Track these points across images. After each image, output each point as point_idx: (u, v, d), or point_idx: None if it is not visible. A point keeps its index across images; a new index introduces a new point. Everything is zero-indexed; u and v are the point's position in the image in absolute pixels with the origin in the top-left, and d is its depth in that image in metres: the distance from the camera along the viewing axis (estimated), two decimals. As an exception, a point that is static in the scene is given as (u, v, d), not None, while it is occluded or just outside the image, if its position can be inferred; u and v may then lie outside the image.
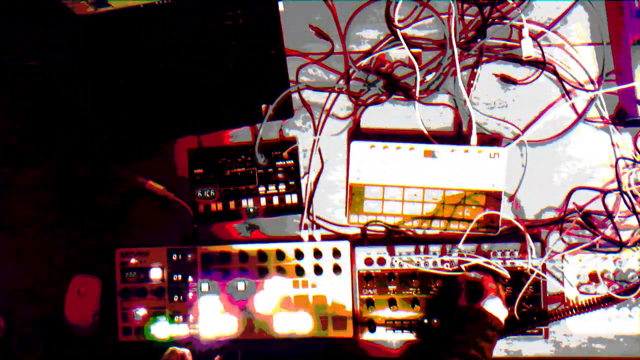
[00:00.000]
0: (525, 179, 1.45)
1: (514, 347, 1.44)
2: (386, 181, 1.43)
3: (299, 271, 1.43)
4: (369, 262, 1.42)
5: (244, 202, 1.46)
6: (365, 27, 1.49)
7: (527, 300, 1.40)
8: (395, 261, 1.42)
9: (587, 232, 1.43)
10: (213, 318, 1.43)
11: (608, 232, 1.41)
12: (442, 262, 1.41)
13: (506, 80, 1.47)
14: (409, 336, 1.42)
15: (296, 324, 1.42)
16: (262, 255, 1.43)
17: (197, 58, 1.47)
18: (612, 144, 1.44)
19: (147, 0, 1.44)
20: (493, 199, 1.42)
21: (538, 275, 1.39)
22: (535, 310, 1.40)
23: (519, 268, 1.40)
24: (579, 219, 1.43)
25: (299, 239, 1.45)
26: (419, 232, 1.45)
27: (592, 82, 1.45)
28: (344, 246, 1.43)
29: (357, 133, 1.48)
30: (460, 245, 1.39)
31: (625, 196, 1.41)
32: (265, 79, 1.46)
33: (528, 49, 1.43)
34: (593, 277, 1.41)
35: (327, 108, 1.48)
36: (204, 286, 1.43)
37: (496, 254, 1.41)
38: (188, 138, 1.48)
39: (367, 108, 1.48)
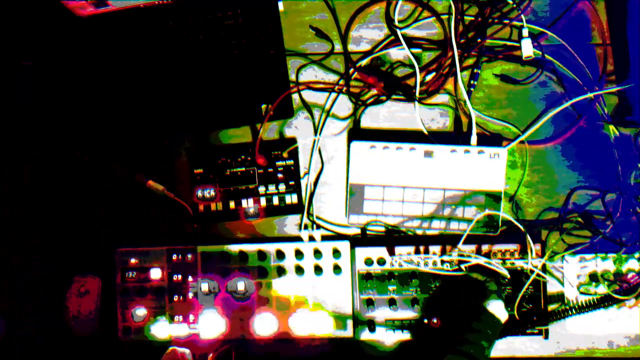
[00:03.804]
0: (525, 179, 1.45)
1: (514, 347, 1.44)
2: (386, 181, 1.43)
3: (299, 271, 1.43)
4: (369, 262, 1.42)
5: (244, 202, 1.46)
6: (365, 27, 1.49)
7: (527, 300, 1.40)
8: (395, 261, 1.42)
9: (587, 232, 1.43)
10: (213, 318, 1.43)
11: (608, 232, 1.41)
12: (442, 262, 1.41)
13: (506, 80, 1.47)
14: (409, 336, 1.42)
15: (296, 324, 1.42)
16: (262, 255, 1.43)
17: (197, 58, 1.47)
18: (612, 144, 1.45)
19: (147, 0, 1.44)
20: (493, 199, 1.42)
21: (538, 275, 1.39)
22: (535, 310, 1.40)
23: (519, 268, 1.40)
24: (579, 219, 1.43)
25: (299, 239, 1.45)
26: (419, 232, 1.45)
27: (592, 82, 1.45)
28: (344, 246, 1.43)
29: (357, 133, 1.48)
30: (460, 245, 1.39)
31: (625, 196, 1.41)
32: (265, 79, 1.46)
33: (528, 49, 1.43)
34: (593, 277, 1.41)
35: (327, 108, 1.48)
36: (204, 286, 1.43)
37: (496, 254, 1.41)
38: (188, 138, 1.48)
39: (367, 108, 1.48)
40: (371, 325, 1.42)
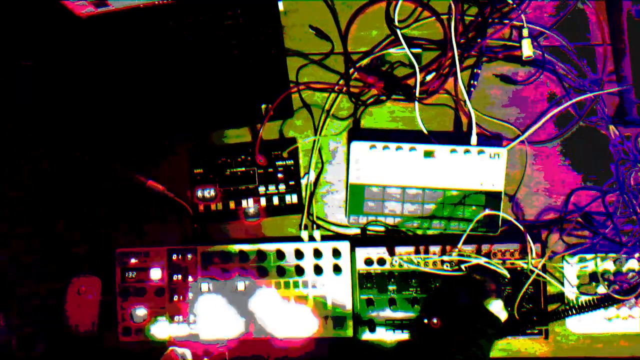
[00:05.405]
0: (525, 179, 1.45)
1: (514, 347, 1.44)
2: (386, 181, 1.43)
3: (299, 271, 1.43)
4: (369, 262, 1.42)
5: (244, 202, 1.46)
6: (365, 27, 1.49)
7: (527, 300, 1.40)
8: (395, 261, 1.42)
9: (587, 232, 1.43)
10: (213, 318, 1.43)
11: (608, 232, 1.41)
12: (442, 262, 1.41)
13: (506, 80, 1.47)
14: (409, 336, 1.42)
15: (296, 324, 1.42)
16: (262, 255, 1.43)
17: (197, 58, 1.47)
18: (612, 144, 1.45)
19: (147, 0, 1.44)
20: (493, 199, 1.42)
21: (538, 275, 1.39)
22: (535, 310, 1.40)
23: (519, 268, 1.40)
24: (579, 219, 1.43)
25: (299, 239, 1.45)
26: (419, 232, 1.45)
27: (592, 82, 1.45)
28: (344, 246, 1.43)
29: (357, 133, 1.48)
30: (460, 245, 1.39)
31: (625, 196, 1.41)
32: (265, 79, 1.46)
33: (528, 49, 1.43)
34: (593, 277, 1.41)
35: (327, 108, 1.48)
36: (204, 286, 1.43)
37: (496, 254, 1.41)
38: (188, 138, 1.48)
39: (367, 108, 1.48)
40: (371, 325, 1.42)
